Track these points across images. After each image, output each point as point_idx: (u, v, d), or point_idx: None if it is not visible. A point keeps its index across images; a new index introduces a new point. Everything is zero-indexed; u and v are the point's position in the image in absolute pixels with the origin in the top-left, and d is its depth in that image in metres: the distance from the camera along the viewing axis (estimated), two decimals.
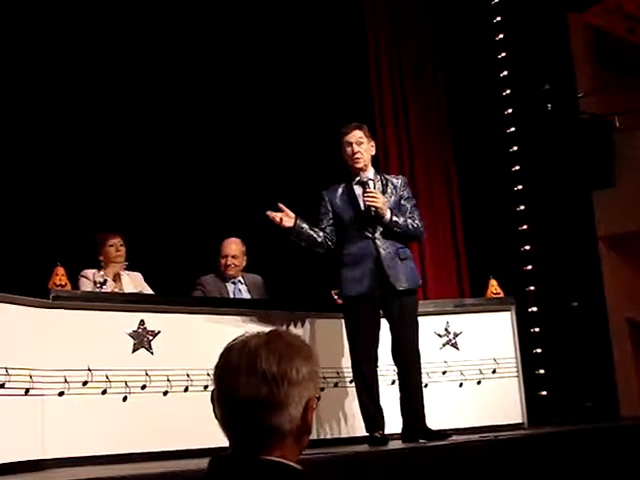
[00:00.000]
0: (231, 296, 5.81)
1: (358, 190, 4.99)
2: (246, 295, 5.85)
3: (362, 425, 4.96)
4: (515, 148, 7.49)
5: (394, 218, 4.89)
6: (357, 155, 5.00)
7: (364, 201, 4.90)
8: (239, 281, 5.91)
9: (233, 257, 5.88)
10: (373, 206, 4.85)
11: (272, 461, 1.54)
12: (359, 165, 5.01)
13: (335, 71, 7.56)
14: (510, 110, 7.57)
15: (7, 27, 6.28)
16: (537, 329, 7.11)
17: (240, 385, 1.55)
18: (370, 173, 5.06)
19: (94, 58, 6.73)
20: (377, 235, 4.90)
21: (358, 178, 5.03)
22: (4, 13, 6.18)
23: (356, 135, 5.02)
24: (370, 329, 4.88)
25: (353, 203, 4.97)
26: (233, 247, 5.91)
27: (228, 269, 5.86)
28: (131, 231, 5.81)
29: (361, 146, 5.01)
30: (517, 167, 7.46)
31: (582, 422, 6.06)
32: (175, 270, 6.30)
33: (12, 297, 4.20)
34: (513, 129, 7.53)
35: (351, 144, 5.00)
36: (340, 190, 5.05)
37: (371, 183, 4.98)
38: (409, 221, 4.97)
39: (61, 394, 4.39)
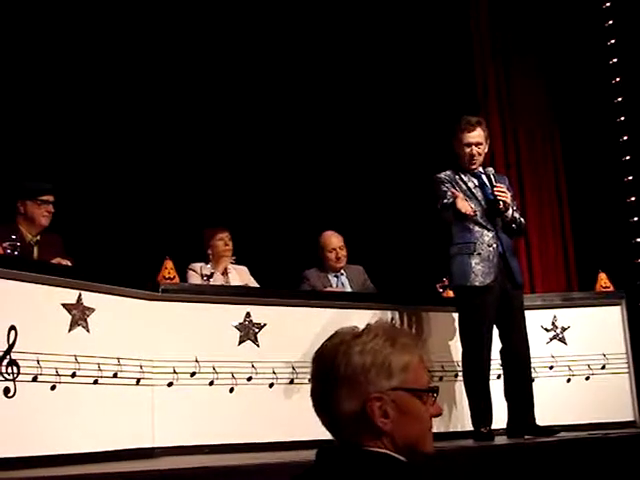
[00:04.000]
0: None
1: (476, 182, 4.93)
2: (348, 287, 5.88)
3: (467, 419, 4.91)
4: (625, 137, 7.27)
5: (515, 214, 4.90)
6: (475, 159, 4.93)
7: (492, 193, 4.84)
8: (341, 274, 5.94)
9: (340, 249, 5.91)
10: (503, 200, 4.81)
11: (377, 452, 1.54)
12: (474, 167, 4.95)
13: (440, 63, 7.51)
14: (620, 99, 7.35)
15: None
16: None
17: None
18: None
19: (192, 60, 6.90)
20: (498, 228, 4.87)
21: (475, 169, 4.95)
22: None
23: (477, 136, 4.91)
24: (492, 321, 4.83)
25: (474, 193, 4.87)
26: (338, 239, 5.94)
27: (339, 261, 5.89)
28: (237, 226, 5.91)
29: (479, 147, 4.93)
30: (628, 157, 7.25)
31: None
32: (280, 263, 6.38)
33: (123, 290, 4.34)
34: (623, 118, 7.31)
35: (471, 145, 4.90)
36: (457, 178, 4.93)
37: (493, 177, 4.92)
38: (521, 219, 4.99)
39: (170, 384, 4.50)
